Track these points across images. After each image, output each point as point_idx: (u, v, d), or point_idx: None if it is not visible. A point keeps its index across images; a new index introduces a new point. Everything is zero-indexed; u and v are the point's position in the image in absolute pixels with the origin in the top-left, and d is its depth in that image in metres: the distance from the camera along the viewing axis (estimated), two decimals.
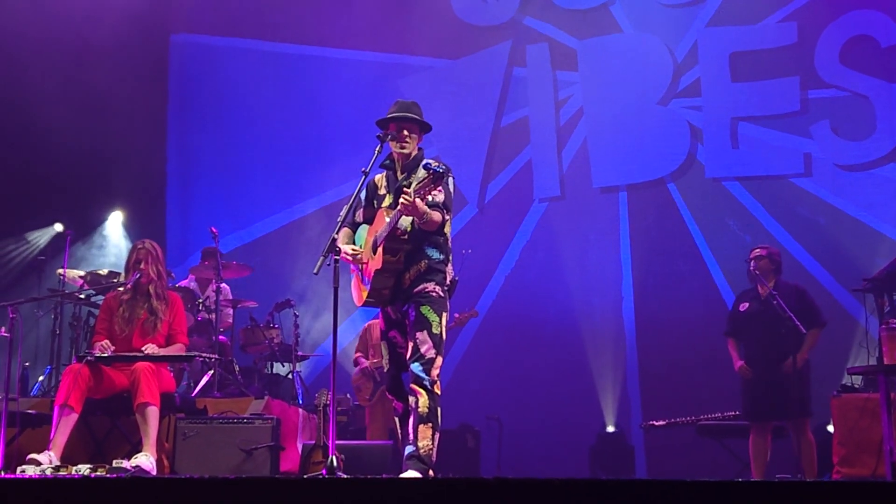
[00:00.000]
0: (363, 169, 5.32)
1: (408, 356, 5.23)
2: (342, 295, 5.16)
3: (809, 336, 7.47)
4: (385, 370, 5.50)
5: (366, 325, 9.33)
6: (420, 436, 5.10)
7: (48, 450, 6.09)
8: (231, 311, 9.35)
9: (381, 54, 11.68)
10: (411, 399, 5.18)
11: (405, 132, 5.42)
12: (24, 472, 5.78)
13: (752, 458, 7.57)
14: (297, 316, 9.66)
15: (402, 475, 5.01)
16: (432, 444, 5.11)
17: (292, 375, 9.47)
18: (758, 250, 7.80)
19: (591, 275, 10.77)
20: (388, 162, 5.55)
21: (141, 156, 11.72)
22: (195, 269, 9.66)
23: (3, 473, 5.87)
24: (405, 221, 5.21)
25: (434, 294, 5.27)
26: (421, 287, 5.26)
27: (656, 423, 8.69)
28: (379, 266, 5.22)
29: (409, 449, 5.15)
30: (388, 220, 5.20)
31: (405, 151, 5.44)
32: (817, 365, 8.04)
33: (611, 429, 10.18)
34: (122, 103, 11.03)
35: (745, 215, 10.44)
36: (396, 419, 5.49)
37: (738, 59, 10.63)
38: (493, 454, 9.50)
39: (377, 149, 5.41)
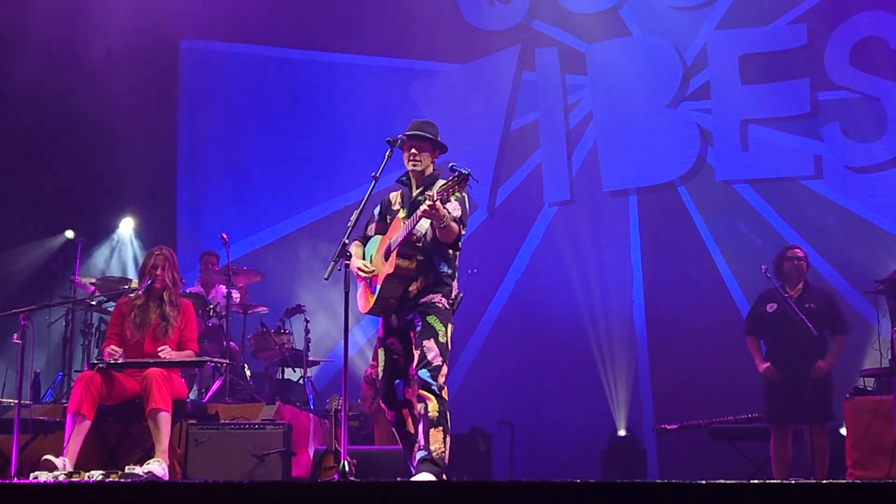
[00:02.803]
0: (373, 174, 5.35)
1: (414, 364, 5.23)
2: (352, 301, 5.16)
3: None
4: (379, 377, 5.47)
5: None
6: (431, 439, 5.10)
7: (63, 456, 6.11)
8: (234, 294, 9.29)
9: (391, 59, 11.69)
10: (419, 405, 5.17)
11: (414, 150, 5.45)
12: (36, 477, 5.79)
13: (774, 461, 7.50)
14: (307, 321, 9.69)
15: (413, 478, 5.00)
16: (444, 447, 5.12)
17: (303, 381, 9.48)
18: (797, 250, 7.68)
19: (602, 278, 10.75)
20: (403, 178, 5.58)
21: (151, 162, 11.75)
22: (203, 272, 9.70)
23: (15, 479, 5.88)
24: (422, 227, 5.22)
25: (440, 305, 5.30)
26: (428, 298, 5.29)
27: (668, 427, 8.65)
28: (391, 270, 5.22)
29: (420, 453, 5.14)
30: (403, 226, 5.23)
31: (417, 169, 5.47)
32: (830, 368, 8.03)
33: (622, 433, 10.14)
34: (132, 110, 11.07)
35: (755, 218, 10.41)
36: (394, 429, 5.50)
37: (748, 61, 10.60)
38: (505, 458, 9.49)
39: (387, 154, 5.44)
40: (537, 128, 11.21)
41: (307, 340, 9.60)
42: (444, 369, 5.22)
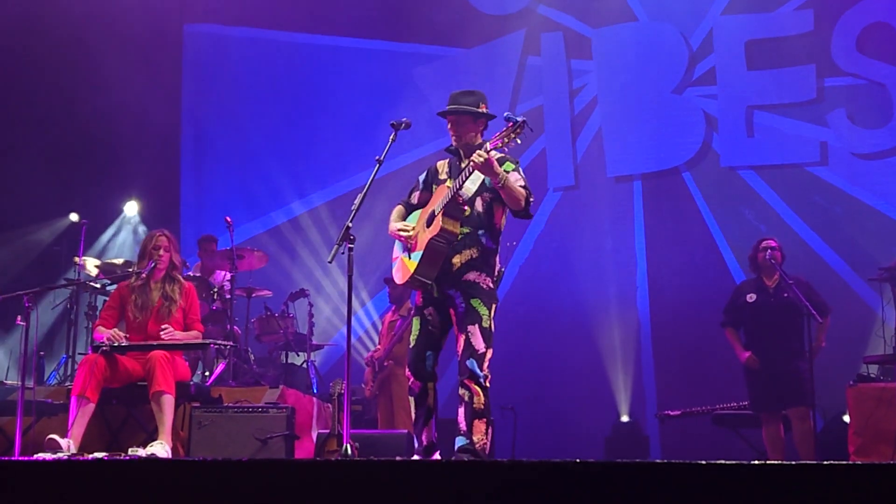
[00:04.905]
0: (377, 157, 5.32)
1: (459, 349, 5.19)
2: (355, 286, 5.14)
3: (824, 325, 7.46)
4: (411, 346, 5.38)
5: (383, 317, 9.43)
6: (475, 430, 5.13)
7: (67, 438, 6.12)
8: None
9: (395, 43, 11.67)
10: (464, 392, 5.17)
11: (449, 126, 5.41)
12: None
13: (769, 450, 7.57)
14: (311, 305, 9.70)
15: None
16: (487, 438, 5.16)
17: (307, 364, 9.50)
18: (770, 241, 7.77)
19: (606, 264, 10.74)
20: (452, 148, 5.51)
21: (156, 145, 11.76)
22: (202, 256, 9.70)
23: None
24: (468, 190, 5.17)
25: (484, 286, 5.24)
26: (471, 276, 5.23)
27: (671, 413, 8.68)
28: (435, 232, 5.13)
29: (462, 441, 5.15)
30: (448, 191, 5.16)
31: (460, 143, 5.40)
32: (833, 354, 8.02)
33: (625, 418, 10.15)
34: (137, 93, 11.06)
35: (760, 204, 10.39)
36: (412, 399, 5.40)
37: (754, 47, 10.56)
38: (508, 444, 9.48)
39: (391, 137, 5.41)
40: (542, 113, 11.19)
41: (311, 324, 9.61)
42: (489, 354, 5.19)
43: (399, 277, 5.39)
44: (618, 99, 10.98)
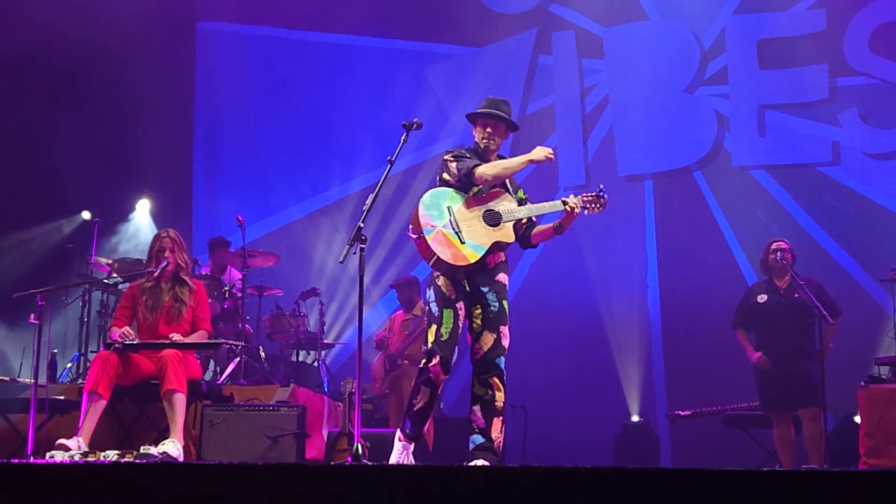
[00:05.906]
0: (389, 157, 5.34)
1: (488, 346, 5.32)
2: (368, 283, 5.15)
3: (834, 327, 7.47)
4: (444, 339, 5.27)
5: (392, 315, 9.44)
6: (493, 427, 5.26)
7: (77, 436, 6.14)
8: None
9: (407, 42, 11.68)
10: (486, 390, 5.29)
11: (489, 129, 5.63)
12: (52, 457, 5.83)
13: (780, 451, 7.59)
14: (322, 304, 9.72)
15: (472, 463, 5.13)
16: (501, 436, 5.31)
17: (318, 363, 9.52)
18: (781, 242, 7.78)
19: (617, 264, 10.73)
20: (476, 147, 5.67)
21: (168, 144, 11.76)
22: (213, 257, 9.71)
23: (32, 459, 5.92)
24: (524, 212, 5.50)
25: (507, 288, 5.48)
26: (501, 277, 5.45)
27: (682, 413, 8.67)
28: (504, 240, 5.40)
29: (480, 439, 5.26)
30: (526, 206, 5.58)
31: (491, 148, 5.66)
32: (844, 355, 8.00)
33: (636, 418, 10.13)
34: (149, 91, 11.08)
35: (772, 204, 10.37)
36: (428, 389, 5.33)
37: (766, 46, 10.54)
38: (518, 443, 9.49)
39: (403, 137, 5.43)
40: (553, 112, 11.18)
41: (322, 323, 9.63)
42: None
43: (448, 256, 5.25)
44: (629, 98, 10.97)
